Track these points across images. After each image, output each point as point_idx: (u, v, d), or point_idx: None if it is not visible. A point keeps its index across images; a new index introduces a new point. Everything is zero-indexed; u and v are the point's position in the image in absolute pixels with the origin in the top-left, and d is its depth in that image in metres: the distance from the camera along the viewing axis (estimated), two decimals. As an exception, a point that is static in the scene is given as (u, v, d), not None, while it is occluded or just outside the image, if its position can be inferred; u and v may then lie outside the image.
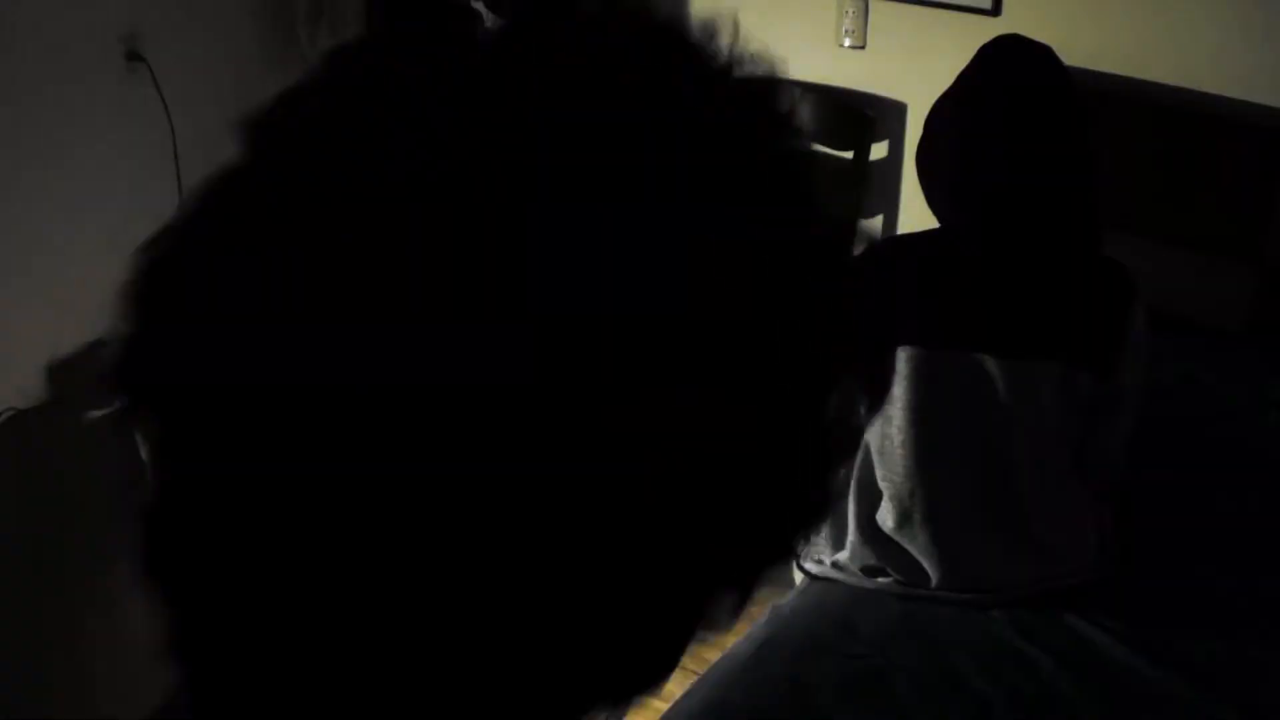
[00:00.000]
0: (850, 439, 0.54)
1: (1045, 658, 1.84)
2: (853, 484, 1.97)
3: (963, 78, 1.86)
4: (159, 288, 0.46)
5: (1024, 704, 1.76)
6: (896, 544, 1.93)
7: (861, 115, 2.94)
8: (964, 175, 1.82)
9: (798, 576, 2.15)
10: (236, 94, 3.18)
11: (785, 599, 2.03)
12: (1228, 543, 2.08)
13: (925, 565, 1.92)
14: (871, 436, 1.92)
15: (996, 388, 1.82)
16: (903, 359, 1.84)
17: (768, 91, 0.50)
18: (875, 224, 3.12)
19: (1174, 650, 1.85)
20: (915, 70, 2.89)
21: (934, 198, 1.89)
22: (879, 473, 1.91)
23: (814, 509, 0.53)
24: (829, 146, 3.04)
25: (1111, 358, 1.84)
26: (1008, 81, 1.82)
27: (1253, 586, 1.99)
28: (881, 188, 3.06)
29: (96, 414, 2.64)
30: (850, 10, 2.93)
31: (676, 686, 2.55)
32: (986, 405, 1.84)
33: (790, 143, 0.51)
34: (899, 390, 1.85)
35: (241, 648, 0.47)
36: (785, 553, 0.53)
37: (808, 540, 0.56)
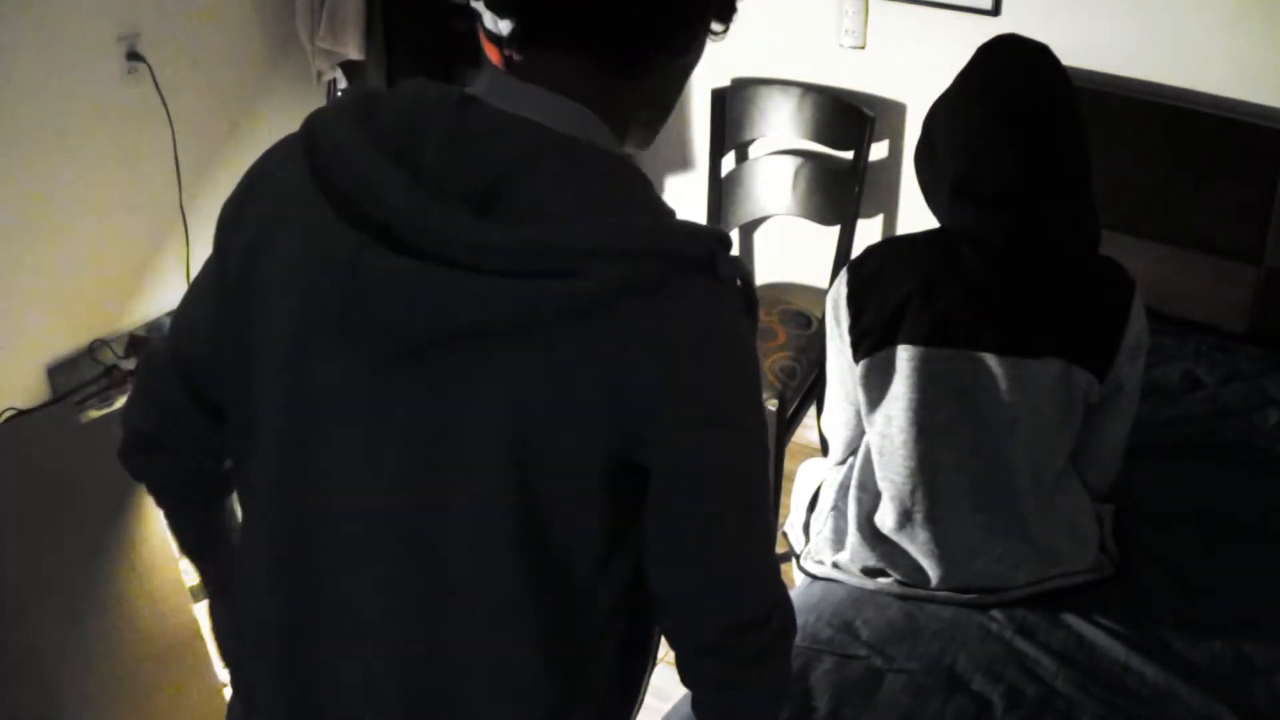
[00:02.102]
0: None
1: (1045, 658, 1.84)
2: (853, 484, 1.97)
3: (960, 77, 1.86)
4: None
5: (1024, 704, 1.76)
6: (896, 545, 1.93)
7: (861, 115, 2.94)
8: (962, 175, 1.82)
9: (798, 576, 2.15)
10: (236, 94, 3.18)
11: (785, 599, 2.03)
12: (1227, 543, 2.08)
13: (925, 565, 1.92)
14: (872, 436, 1.92)
15: (997, 387, 1.83)
16: (903, 358, 1.84)
17: None
18: (875, 224, 3.12)
19: (1174, 650, 1.85)
20: (915, 70, 2.89)
21: (933, 198, 1.89)
22: (879, 473, 1.92)
23: None
24: (829, 146, 3.05)
25: (1110, 356, 1.84)
26: (1005, 80, 1.82)
27: (1252, 586, 1.99)
28: (881, 188, 3.06)
29: (96, 414, 2.64)
30: (850, 10, 2.93)
31: (677, 687, 2.54)
32: (987, 404, 1.84)
33: None
34: (899, 390, 1.85)
35: None
36: None
37: None
